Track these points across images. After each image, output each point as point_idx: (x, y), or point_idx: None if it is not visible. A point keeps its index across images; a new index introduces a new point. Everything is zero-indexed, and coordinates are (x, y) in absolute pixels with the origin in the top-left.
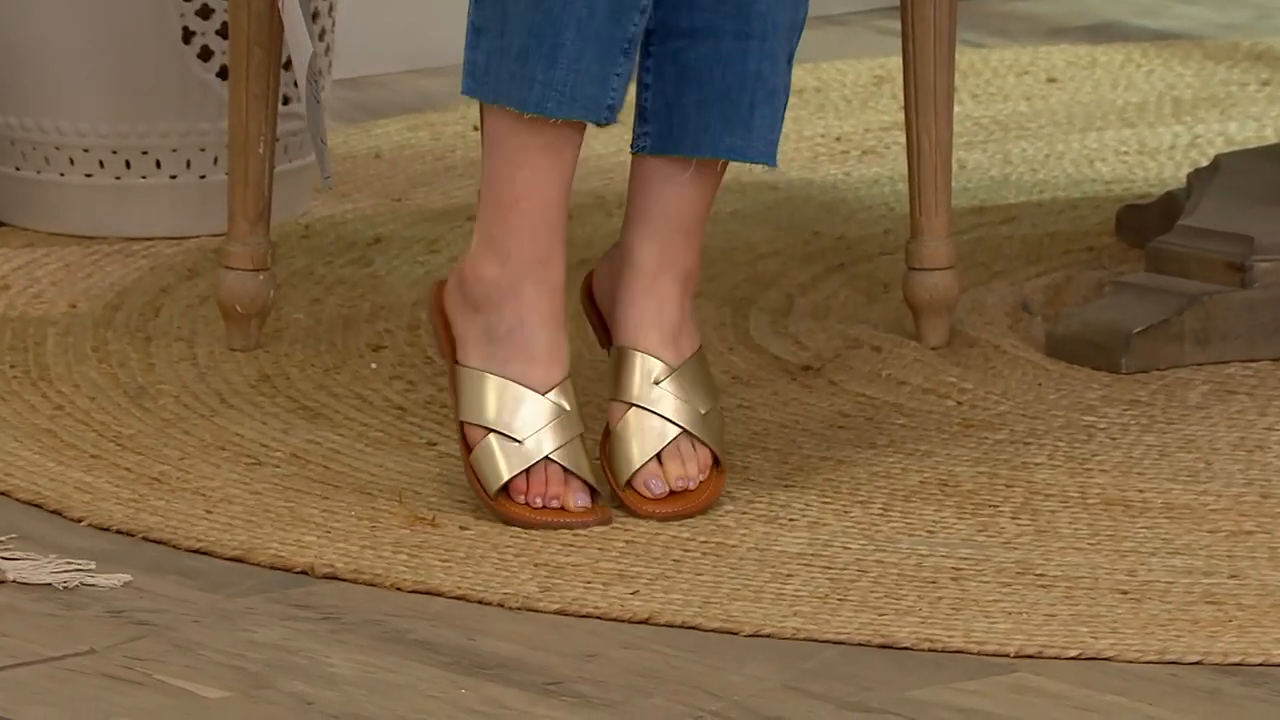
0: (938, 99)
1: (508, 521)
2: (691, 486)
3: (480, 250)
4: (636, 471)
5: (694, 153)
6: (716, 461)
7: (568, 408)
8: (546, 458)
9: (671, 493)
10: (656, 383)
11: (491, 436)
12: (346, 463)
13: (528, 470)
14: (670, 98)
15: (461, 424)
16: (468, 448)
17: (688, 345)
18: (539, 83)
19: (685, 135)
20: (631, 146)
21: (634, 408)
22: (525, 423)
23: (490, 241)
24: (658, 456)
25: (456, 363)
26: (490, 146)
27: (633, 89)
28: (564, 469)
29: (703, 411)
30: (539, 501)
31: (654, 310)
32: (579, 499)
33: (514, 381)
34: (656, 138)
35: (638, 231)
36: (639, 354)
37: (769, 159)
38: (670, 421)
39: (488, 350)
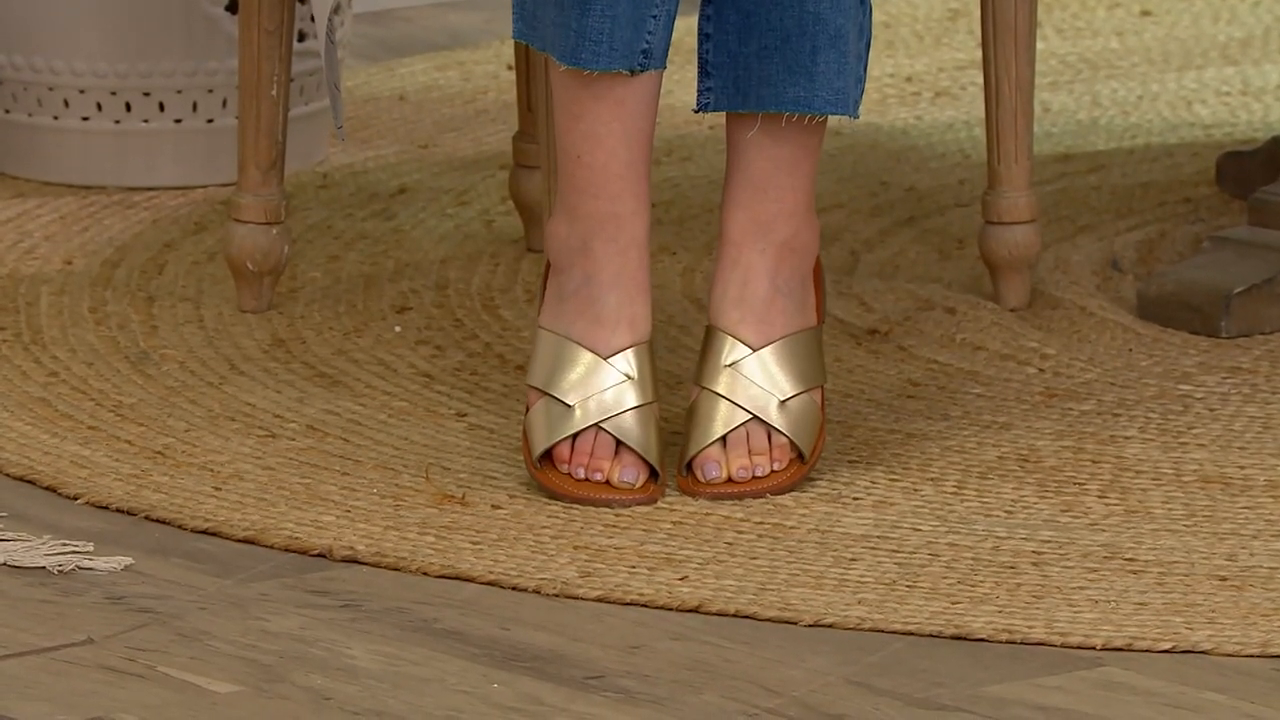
0: (1018, 34)
1: (545, 492)
2: (759, 474)
3: (556, 206)
4: (696, 455)
5: (758, 107)
6: (800, 454)
7: (633, 375)
8: (597, 426)
9: (730, 481)
10: (730, 365)
11: (541, 400)
12: (368, 435)
13: (574, 438)
14: (733, 49)
15: (527, 389)
16: (526, 411)
17: (781, 323)
18: (573, 31)
19: (749, 89)
20: (696, 105)
21: (703, 390)
22: (576, 386)
23: (561, 197)
24: (722, 441)
25: (538, 325)
26: (552, 94)
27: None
28: (616, 440)
29: (784, 398)
30: (580, 473)
31: (738, 284)
32: (625, 473)
33: (575, 342)
34: (720, 93)
35: (726, 198)
36: (717, 332)
37: (838, 108)
38: (738, 406)
39: (557, 309)
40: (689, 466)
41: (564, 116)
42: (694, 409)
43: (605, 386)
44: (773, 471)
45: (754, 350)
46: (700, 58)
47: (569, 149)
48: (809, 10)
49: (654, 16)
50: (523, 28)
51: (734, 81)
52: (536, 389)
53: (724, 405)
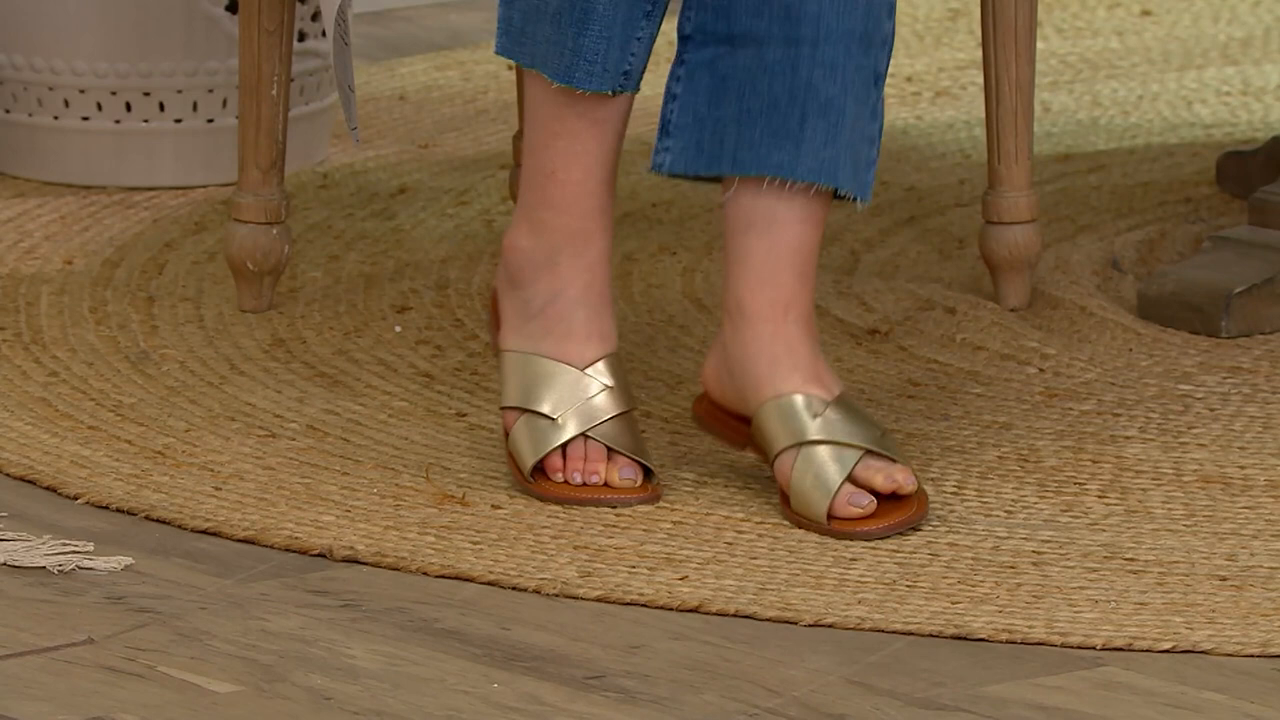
0: (1019, 34)
1: (546, 500)
2: (909, 488)
3: (518, 220)
4: (832, 500)
5: (734, 170)
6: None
7: (610, 384)
8: (585, 435)
9: (882, 501)
10: (816, 415)
11: (522, 418)
12: (368, 435)
13: (564, 448)
14: (701, 112)
15: (503, 412)
16: (506, 436)
17: (835, 385)
18: (569, 50)
19: (722, 152)
20: (650, 165)
21: (801, 447)
22: (558, 400)
23: (527, 211)
24: (849, 480)
25: (499, 349)
26: (529, 111)
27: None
28: (606, 446)
29: (880, 432)
30: (577, 478)
31: (784, 352)
32: (625, 472)
33: (548, 358)
34: (679, 154)
35: (740, 279)
36: (785, 398)
37: (823, 178)
38: (848, 446)
39: (524, 328)
40: (831, 517)
41: (543, 134)
42: (799, 474)
43: (586, 396)
44: (914, 493)
45: (830, 401)
46: (663, 118)
47: (543, 165)
48: (801, 78)
49: (638, 39)
50: (507, 43)
51: (697, 144)
52: (513, 408)
53: (832, 449)
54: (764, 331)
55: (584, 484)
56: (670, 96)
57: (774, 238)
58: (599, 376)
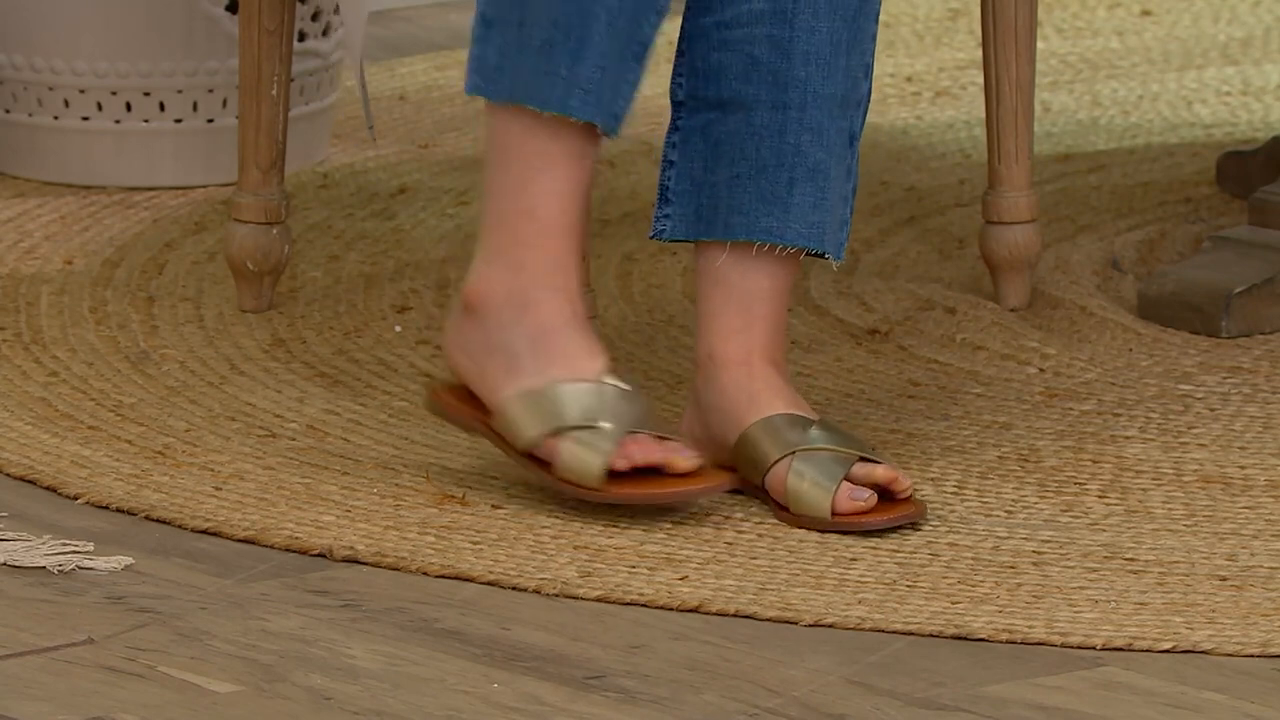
0: (1019, 34)
1: (632, 503)
2: (904, 485)
3: (485, 266)
4: (834, 496)
5: (726, 235)
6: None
7: (628, 386)
8: (632, 431)
9: (880, 499)
10: (805, 429)
11: (566, 439)
12: (368, 435)
13: (618, 446)
14: (698, 177)
15: (529, 457)
16: (546, 464)
17: (813, 414)
18: (563, 79)
19: (716, 217)
20: (651, 232)
21: (795, 455)
22: (589, 409)
23: (499, 253)
24: (846, 479)
25: (491, 414)
26: (498, 153)
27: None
28: (654, 436)
29: (869, 447)
30: (640, 459)
31: (763, 387)
32: (684, 454)
33: (562, 382)
34: (679, 220)
35: (713, 331)
36: (771, 418)
37: (811, 242)
38: (841, 450)
39: (519, 371)
40: (834, 514)
41: (518, 171)
42: (795, 479)
43: (615, 399)
44: (912, 495)
45: (816, 420)
46: (661, 185)
47: (519, 205)
48: (789, 143)
49: (629, 81)
50: (479, 82)
51: (695, 210)
52: (550, 435)
53: (827, 455)
54: (739, 375)
55: (656, 472)
56: (667, 163)
57: (746, 291)
58: (616, 382)
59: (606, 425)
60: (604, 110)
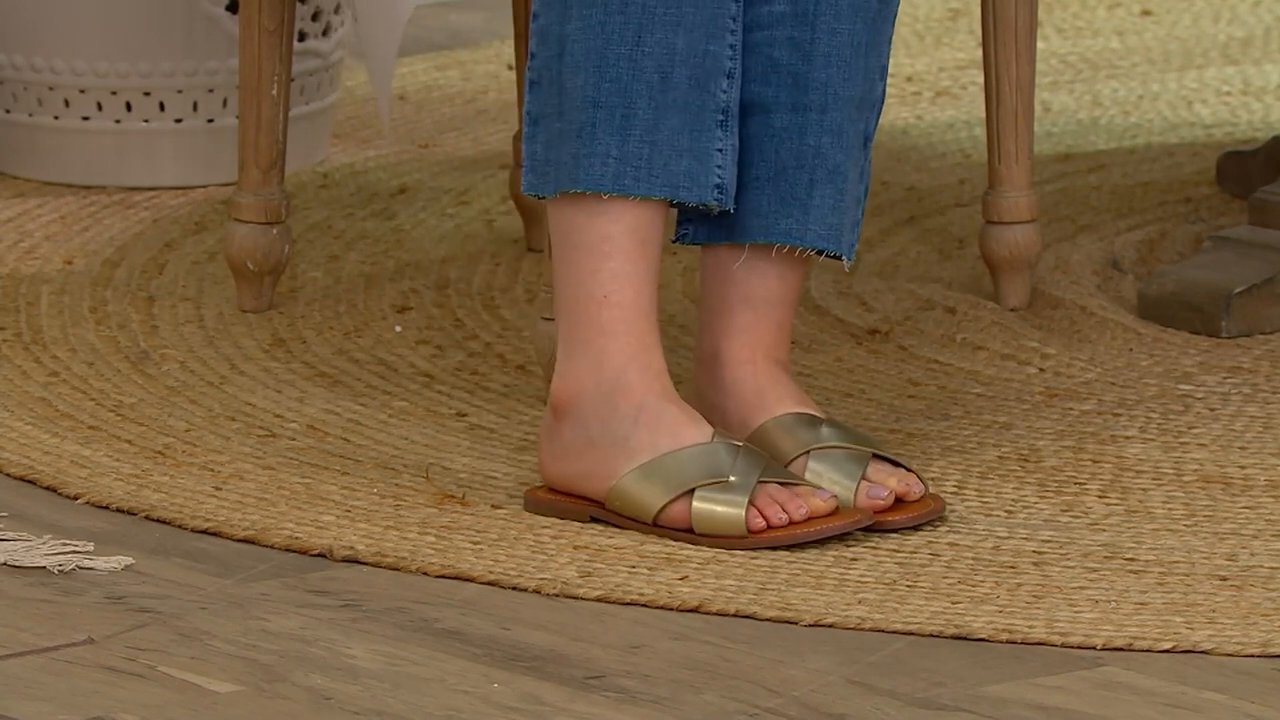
0: (1019, 34)
1: (778, 546)
2: (916, 494)
3: (568, 364)
4: (854, 494)
5: (745, 238)
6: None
7: (740, 443)
8: (760, 481)
9: (897, 500)
10: (818, 427)
11: (695, 496)
12: (368, 435)
13: (751, 499)
14: None
15: (657, 526)
16: (685, 528)
17: (821, 412)
18: (613, 159)
19: (734, 219)
20: (674, 237)
21: (811, 453)
22: (718, 464)
23: (580, 346)
24: (863, 479)
25: (605, 505)
26: (563, 247)
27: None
28: (782, 484)
29: (879, 443)
30: (784, 518)
31: (769, 384)
32: (821, 494)
33: (675, 450)
34: (700, 224)
35: (718, 329)
36: (782, 416)
37: (830, 244)
38: (855, 448)
39: (625, 453)
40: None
41: (586, 260)
42: (810, 475)
43: (737, 453)
44: (927, 494)
45: (825, 419)
46: None
47: (593, 294)
48: (809, 144)
49: (718, 149)
50: (533, 179)
51: (719, 215)
52: (678, 498)
53: (841, 453)
54: (745, 373)
55: (800, 521)
56: None
57: (757, 291)
58: (728, 439)
59: (734, 478)
60: (670, 181)
